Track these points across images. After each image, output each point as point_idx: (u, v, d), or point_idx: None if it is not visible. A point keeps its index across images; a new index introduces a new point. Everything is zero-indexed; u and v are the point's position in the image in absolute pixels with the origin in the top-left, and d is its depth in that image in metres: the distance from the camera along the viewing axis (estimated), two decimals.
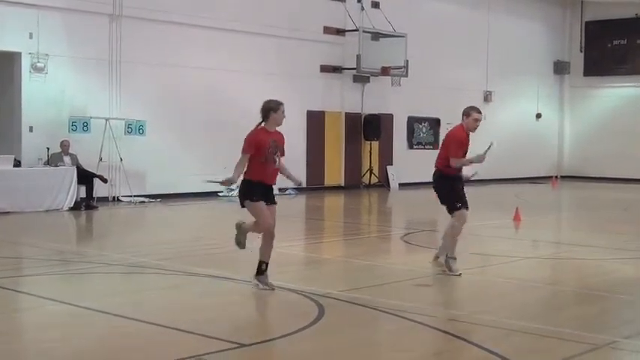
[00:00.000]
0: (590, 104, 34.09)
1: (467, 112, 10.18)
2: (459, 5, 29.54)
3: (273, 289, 8.92)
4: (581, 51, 34.17)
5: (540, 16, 33.52)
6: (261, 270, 9.00)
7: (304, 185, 22.30)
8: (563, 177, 33.72)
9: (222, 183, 8.84)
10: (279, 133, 9.05)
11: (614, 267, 11.39)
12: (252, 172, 8.82)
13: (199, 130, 21.82)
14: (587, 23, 34.00)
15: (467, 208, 10.18)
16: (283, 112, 8.93)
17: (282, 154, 9.03)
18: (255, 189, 8.80)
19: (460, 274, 10.06)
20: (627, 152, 23.05)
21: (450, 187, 10.17)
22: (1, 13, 18.40)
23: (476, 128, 10.22)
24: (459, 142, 10.11)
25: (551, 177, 32.48)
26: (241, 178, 8.90)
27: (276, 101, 8.95)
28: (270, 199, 8.91)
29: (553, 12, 34.21)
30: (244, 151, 8.80)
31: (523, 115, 32.88)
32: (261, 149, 8.75)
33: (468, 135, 10.21)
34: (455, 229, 10.18)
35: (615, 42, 33.16)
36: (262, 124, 8.91)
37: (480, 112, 10.23)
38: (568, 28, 34.63)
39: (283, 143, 9.04)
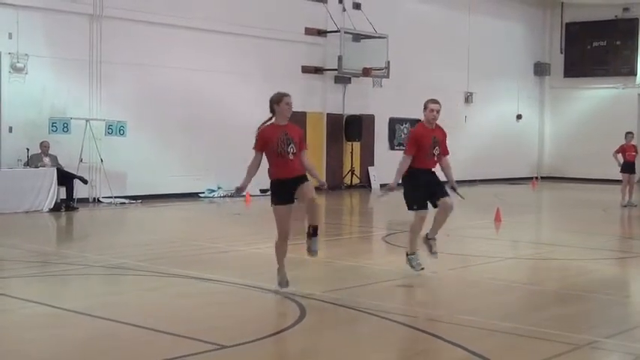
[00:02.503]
0: (570, 105, 34.28)
1: (424, 105, 10.23)
2: (440, 7, 29.63)
3: (314, 256, 8.97)
4: (561, 52, 34.37)
5: (521, 17, 33.68)
6: (309, 232, 8.86)
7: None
8: (543, 178, 33.89)
9: (236, 191, 8.75)
10: (294, 126, 8.87)
11: (594, 267, 11.46)
12: (271, 170, 8.73)
13: (180, 130, 21.75)
14: (567, 25, 34.21)
15: (424, 208, 10.12)
16: (288, 103, 8.73)
17: (302, 148, 8.81)
18: (278, 189, 8.71)
19: (422, 268, 10.17)
20: (607, 153, 23.20)
21: (409, 186, 10.13)
22: None
23: (435, 119, 10.13)
24: (412, 139, 10.12)
25: (531, 178, 32.63)
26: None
27: (279, 93, 8.80)
28: (298, 185, 8.68)
29: (533, 14, 34.39)
30: (254, 148, 8.70)
31: (504, 116, 33.02)
32: (269, 145, 8.62)
33: (429, 129, 10.13)
34: (412, 226, 10.28)
35: (595, 43, 33.40)
36: (272, 119, 8.81)
37: (435, 103, 10.16)
38: (548, 30, 34.82)
39: (298, 136, 8.81)
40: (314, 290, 9.11)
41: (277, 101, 8.73)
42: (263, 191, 8.98)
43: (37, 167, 18.15)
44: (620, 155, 21.68)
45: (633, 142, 21.99)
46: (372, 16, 25.80)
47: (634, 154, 21.61)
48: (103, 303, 8.59)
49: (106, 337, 7.16)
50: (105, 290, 9.64)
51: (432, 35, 29.06)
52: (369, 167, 27.46)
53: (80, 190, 19.24)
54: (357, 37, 25.63)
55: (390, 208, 22.22)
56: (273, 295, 8.84)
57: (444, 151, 10.27)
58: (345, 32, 25.10)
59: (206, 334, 7.13)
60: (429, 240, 10.36)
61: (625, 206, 20.69)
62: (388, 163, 27.60)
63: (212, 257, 11.81)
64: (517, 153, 33.29)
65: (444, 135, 10.31)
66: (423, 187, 10.06)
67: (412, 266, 10.17)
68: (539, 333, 7.32)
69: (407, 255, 10.26)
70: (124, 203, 19.93)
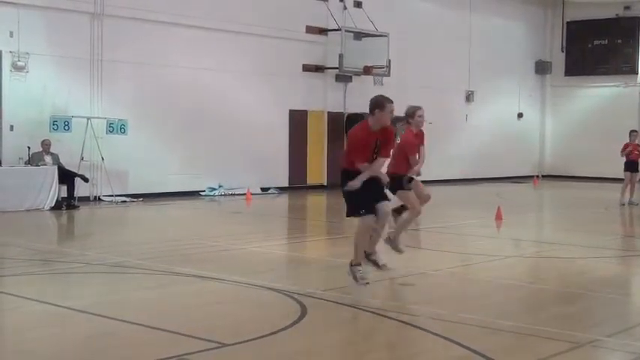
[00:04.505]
0: (571, 104, 34.25)
1: (381, 104, 9.35)
2: (441, 5, 29.60)
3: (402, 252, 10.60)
4: (562, 51, 34.32)
5: (522, 16, 33.63)
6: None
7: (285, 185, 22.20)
8: (544, 176, 33.86)
9: None
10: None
11: (595, 266, 11.45)
12: (402, 166, 10.82)
13: (181, 129, 21.75)
14: (568, 23, 34.15)
15: (371, 212, 8.90)
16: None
17: None
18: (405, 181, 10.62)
19: (367, 283, 9.09)
20: (608, 151, 23.21)
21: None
22: None
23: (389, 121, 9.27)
24: (359, 142, 9.24)
25: (532, 176, 32.61)
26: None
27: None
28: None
29: (534, 12, 34.34)
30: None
31: (505, 114, 32.98)
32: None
33: (373, 132, 9.16)
34: (358, 234, 9.20)
35: (596, 42, 33.35)
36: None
37: (392, 102, 9.33)
38: (549, 28, 34.78)
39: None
40: (315, 289, 9.11)
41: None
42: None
43: (39, 165, 18.15)
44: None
45: (637, 142, 21.89)
46: (373, 14, 25.77)
47: (637, 153, 21.51)
48: (103, 301, 8.60)
49: (106, 336, 7.16)
50: (105, 289, 9.63)
51: (433, 33, 29.02)
52: None
53: (81, 189, 19.24)
54: (358, 35, 25.61)
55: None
56: (275, 294, 8.84)
57: (386, 154, 9.40)
58: (346, 30, 25.07)
59: (207, 333, 7.13)
60: (370, 256, 9.35)
61: (624, 205, 20.62)
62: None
63: (213, 255, 11.81)
64: (518, 151, 33.25)
65: (389, 136, 9.39)
66: (367, 188, 8.89)
67: (355, 279, 9.08)
68: (540, 331, 7.32)
69: (350, 265, 9.21)
70: (125, 201, 19.93)
